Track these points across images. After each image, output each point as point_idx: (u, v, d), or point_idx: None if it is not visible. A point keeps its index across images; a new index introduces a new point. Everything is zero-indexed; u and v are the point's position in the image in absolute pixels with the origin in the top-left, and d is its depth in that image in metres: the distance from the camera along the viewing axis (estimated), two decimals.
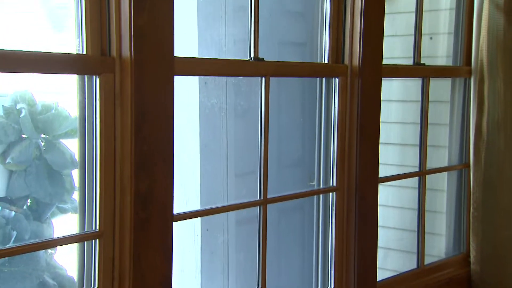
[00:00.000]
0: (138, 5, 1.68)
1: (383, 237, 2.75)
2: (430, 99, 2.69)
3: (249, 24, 2.09)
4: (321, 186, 2.39)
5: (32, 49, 1.57)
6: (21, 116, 2.03)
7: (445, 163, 2.97)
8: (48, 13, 2.43)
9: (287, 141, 2.77)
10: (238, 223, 2.67)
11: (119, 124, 1.72)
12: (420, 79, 2.72)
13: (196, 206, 2.57)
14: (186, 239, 2.55)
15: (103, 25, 1.71)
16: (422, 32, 2.62)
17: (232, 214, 2.61)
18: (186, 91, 2.48)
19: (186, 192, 2.52)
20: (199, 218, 2.56)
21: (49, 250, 2.18)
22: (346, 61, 2.32)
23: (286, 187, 2.73)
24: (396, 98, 3.09)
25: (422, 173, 2.73)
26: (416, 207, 2.74)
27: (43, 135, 2.13)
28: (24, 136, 2.07)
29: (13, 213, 2.02)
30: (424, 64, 2.66)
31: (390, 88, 3.01)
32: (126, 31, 1.69)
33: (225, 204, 2.58)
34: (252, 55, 2.09)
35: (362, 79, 2.29)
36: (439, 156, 2.95)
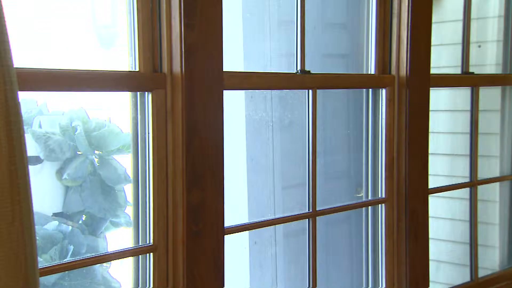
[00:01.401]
0: (188, 23, 1.71)
1: (433, 249, 2.69)
2: (479, 108, 2.64)
3: (296, 37, 2.10)
4: (370, 198, 2.37)
5: (86, 67, 1.62)
6: (76, 133, 2.09)
7: (496, 173, 2.91)
8: (97, 32, 2.50)
9: (333, 153, 2.76)
10: (286, 236, 2.66)
11: (171, 139, 1.75)
12: (469, 88, 2.68)
13: (243, 219, 2.58)
14: (234, 253, 2.56)
15: (154, 43, 1.75)
16: (470, 40, 2.58)
17: (279, 226, 2.61)
18: (233, 105, 2.51)
19: (234, 205, 2.54)
20: (247, 231, 2.57)
21: (104, 264, 2.23)
22: (393, 72, 2.30)
23: (332, 199, 2.71)
24: (444, 108, 3.04)
25: (473, 183, 2.68)
26: (468, 218, 2.68)
27: (96, 151, 2.18)
28: (79, 152, 2.12)
29: (69, 227, 2.07)
30: (473, 73, 2.62)
31: (438, 97, 2.96)
32: (177, 48, 1.72)
33: (275, 217, 2.58)
34: (298, 68, 2.10)
35: (410, 89, 2.27)
36: (490, 166, 2.88)
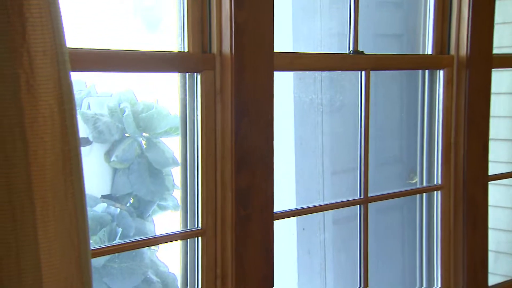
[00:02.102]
0: (238, 2, 1.65)
1: (493, 239, 2.58)
2: None
3: (348, 16, 2.01)
4: (424, 184, 2.27)
5: (135, 48, 1.59)
6: (124, 115, 2.07)
7: None
8: (141, 14, 2.47)
9: (386, 137, 2.67)
10: (335, 222, 2.60)
11: (220, 121, 1.71)
12: None
13: (291, 204, 2.53)
14: (282, 238, 2.52)
15: (204, 23, 1.70)
16: None
17: (328, 213, 2.55)
18: (281, 86, 2.44)
19: (282, 190, 2.49)
20: (295, 217, 2.52)
21: (152, 247, 2.22)
22: (452, 52, 2.18)
23: (384, 185, 2.63)
24: (506, 90, 2.88)
25: None
26: None
27: (144, 134, 2.17)
28: (127, 134, 2.11)
29: (118, 210, 2.07)
30: None
31: (500, 79, 2.81)
32: (226, 27, 1.67)
33: (324, 202, 2.52)
34: (351, 48, 2.02)
35: (470, 70, 2.15)
36: None
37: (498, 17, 2.49)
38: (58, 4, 1.12)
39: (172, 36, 1.75)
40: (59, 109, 1.09)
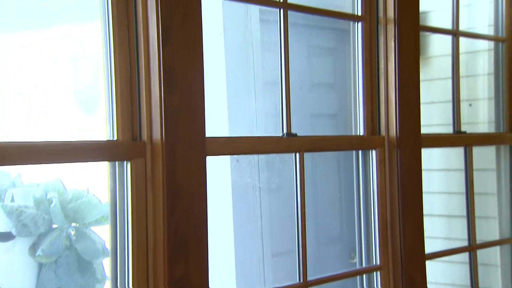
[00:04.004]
0: (168, 87, 1.65)
1: None
2: (474, 167, 2.57)
3: (280, 98, 2.04)
4: (364, 265, 2.25)
5: (63, 138, 1.54)
6: (51, 205, 1.99)
7: (496, 236, 2.80)
8: (77, 95, 2.44)
9: (325, 217, 2.67)
10: None
11: (151, 209, 1.66)
12: (462, 147, 2.62)
13: None
14: None
15: (133, 109, 1.68)
16: (461, 98, 2.54)
17: None
18: (218, 169, 2.42)
19: (222, 276, 2.41)
20: None
21: None
22: (383, 132, 2.24)
23: (326, 265, 2.60)
24: (438, 167, 2.96)
25: (472, 247, 2.56)
26: (469, 283, 2.56)
27: (73, 224, 2.08)
28: (54, 226, 2.02)
29: None
30: (465, 132, 2.56)
31: (430, 156, 2.90)
32: (156, 114, 1.65)
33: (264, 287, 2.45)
34: (285, 131, 2.03)
35: (400, 150, 2.20)
36: (489, 228, 2.78)
37: (426, 97, 2.59)
38: None
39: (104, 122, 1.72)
40: None
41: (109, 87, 1.69)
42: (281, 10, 2.03)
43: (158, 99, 1.65)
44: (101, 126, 1.72)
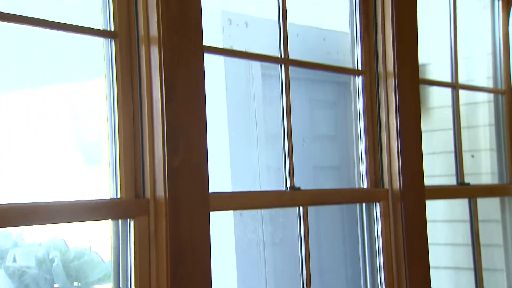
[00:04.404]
0: (171, 146, 1.66)
1: None
2: (479, 218, 2.55)
3: (283, 151, 2.05)
4: None
5: (65, 198, 1.54)
6: (53, 265, 1.97)
7: None
8: (80, 151, 2.45)
9: (330, 271, 2.63)
10: None
11: (155, 267, 1.64)
12: (467, 199, 2.61)
13: None
14: None
15: (137, 167, 1.68)
16: (463, 149, 2.55)
17: None
18: (221, 224, 2.41)
19: None
20: None
21: None
22: (386, 185, 2.23)
23: None
24: (442, 218, 2.94)
25: None
26: None
27: (75, 283, 2.04)
28: (56, 286, 1.99)
29: None
30: (468, 183, 2.56)
31: (435, 207, 2.88)
32: (160, 172, 1.66)
33: None
34: (288, 185, 2.03)
35: (404, 203, 2.19)
36: (497, 281, 2.74)
37: (427, 148, 2.60)
38: None
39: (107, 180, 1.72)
40: None
41: (113, 145, 1.70)
42: (283, 66, 2.06)
43: (161, 157, 1.66)
44: (104, 182, 1.72)
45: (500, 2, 2.81)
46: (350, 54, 2.34)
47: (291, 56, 2.07)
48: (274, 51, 2.08)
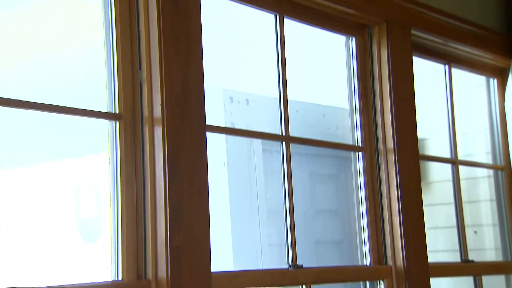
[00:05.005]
0: (174, 225, 1.65)
1: None
2: None
3: (285, 227, 2.04)
4: None
5: (67, 282, 1.52)
6: None
7: None
8: (80, 227, 2.43)
9: None
10: None
11: None
12: (471, 276, 2.57)
13: None
14: None
15: (139, 247, 1.67)
16: (465, 224, 2.53)
17: None
18: None
19: None
20: None
21: None
22: (389, 262, 2.21)
23: None
24: None
25: None
26: None
27: None
28: None
29: None
30: (472, 261, 2.52)
31: (439, 284, 2.83)
32: (162, 252, 1.64)
33: None
34: (290, 263, 2.01)
35: (409, 281, 2.16)
36: None
37: (430, 222, 2.59)
38: None
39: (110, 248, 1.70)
40: None
41: (115, 224, 1.69)
42: (284, 143, 2.09)
43: (163, 237, 1.65)
44: (104, 259, 1.70)
45: (496, 81, 2.88)
46: (349, 129, 2.37)
47: (292, 132, 2.10)
48: (275, 127, 2.12)
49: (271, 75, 2.16)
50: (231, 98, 2.49)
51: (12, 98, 1.52)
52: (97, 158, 2.02)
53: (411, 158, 2.30)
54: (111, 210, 1.71)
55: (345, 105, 2.43)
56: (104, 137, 1.75)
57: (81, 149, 2.29)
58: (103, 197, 1.97)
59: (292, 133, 2.11)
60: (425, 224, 2.29)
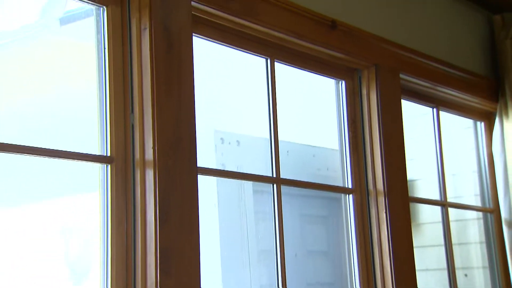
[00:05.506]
0: (164, 268, 1.64)
1: None
2: None
3: (276, 268, 2.03)
4: None
5: None
6: None
7: None
8: (68, 266, 2.40)
9: None
10: None
11: None
12: None
13: None
14: None
15: None
16: (456, 266, 2.53)
17: None
18: None
19: None
20: None
21: None
22: None
23: None
24: None
25: None
26: None
27: None
28: None
29: None
30: None
31: None
32: None
33: None
34: None
35: None
36: None
37: (420, 264, 2.58)
38: None
39: None
40: None
41: (105, 266, 1.68)
42: (275, 185, 2.09)
43: (154, 280, 1.63)
44: None
45: (483, 124, 2.93)
46: (340, 170, 2.39)
47: (282, 172, 2.11)
48: (265, 167, 2.13)
49: (262, 117, 2.19)
50: (222, 139, 2.50)
51: (3, 142, 1.52)
52: (88, 199, 2.01)
53: (401, 200, 2.31)
54: (100, 252, 1.69)
55: (335, 146, 2.45)
56: (95, 179, 1.75)
57: (72, 191, 2.28)
58: (92, 239, 1.95)
59: (283, 173, 2.12)
60: (415, 266, 2.29)
